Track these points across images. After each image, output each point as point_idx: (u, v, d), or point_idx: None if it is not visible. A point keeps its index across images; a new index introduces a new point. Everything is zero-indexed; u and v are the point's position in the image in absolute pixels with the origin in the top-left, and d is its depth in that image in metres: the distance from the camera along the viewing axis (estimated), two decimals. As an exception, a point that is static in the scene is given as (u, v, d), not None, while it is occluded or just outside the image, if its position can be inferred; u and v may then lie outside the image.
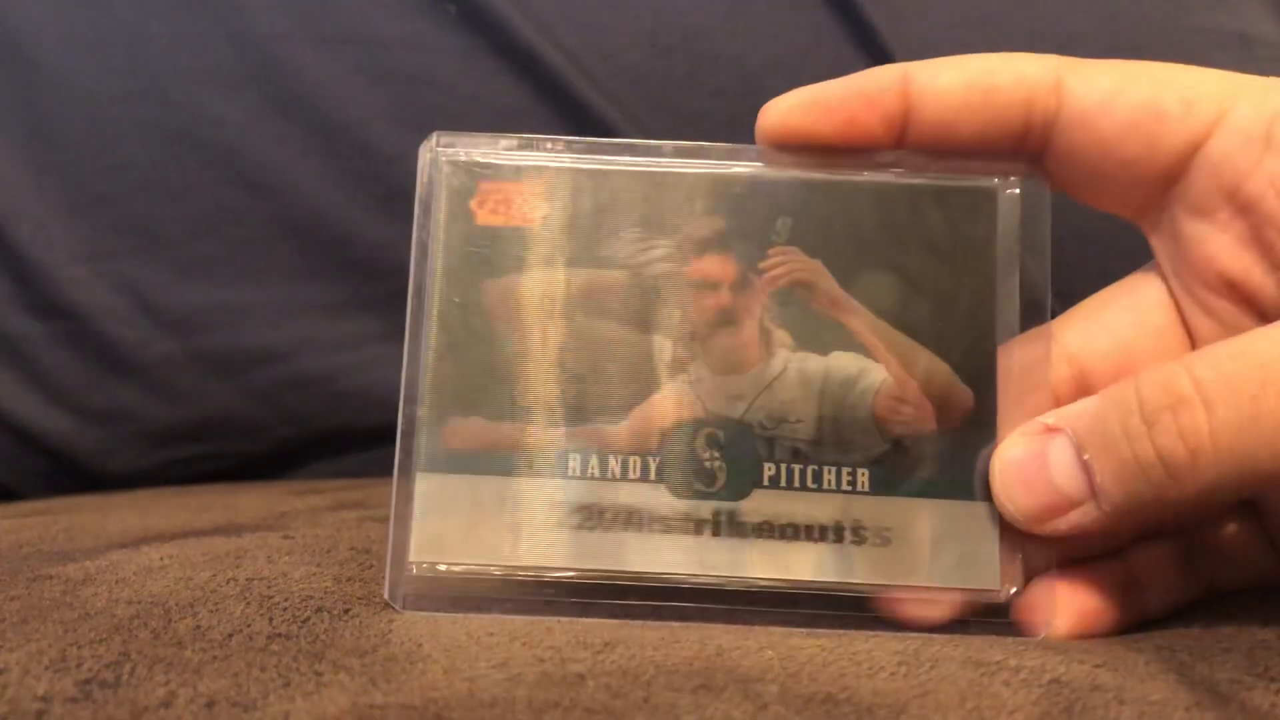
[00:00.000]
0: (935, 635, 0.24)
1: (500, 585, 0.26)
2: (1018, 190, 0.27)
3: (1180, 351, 0.27)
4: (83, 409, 0.47)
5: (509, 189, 0.27)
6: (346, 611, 0.25)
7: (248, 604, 0.25)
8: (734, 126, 0.51)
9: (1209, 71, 0.26)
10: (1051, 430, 0.24)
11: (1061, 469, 0.24)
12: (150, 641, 0.22)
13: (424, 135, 0.27)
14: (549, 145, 0.27)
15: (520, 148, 0.28)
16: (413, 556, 0.26)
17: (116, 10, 0.48)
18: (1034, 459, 0.24)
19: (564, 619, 0.25)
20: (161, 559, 0.29)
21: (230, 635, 0.23)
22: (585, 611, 0.25)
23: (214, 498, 0.41)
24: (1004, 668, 0.22)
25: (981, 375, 0.26)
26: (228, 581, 0.26)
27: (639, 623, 0.25)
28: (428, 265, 0.27)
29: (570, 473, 0.26)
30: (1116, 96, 0.26)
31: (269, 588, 0.26)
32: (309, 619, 0.24)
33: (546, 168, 0.27)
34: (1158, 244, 0.27)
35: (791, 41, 0.51)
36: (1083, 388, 0.26)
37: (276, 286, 0.48)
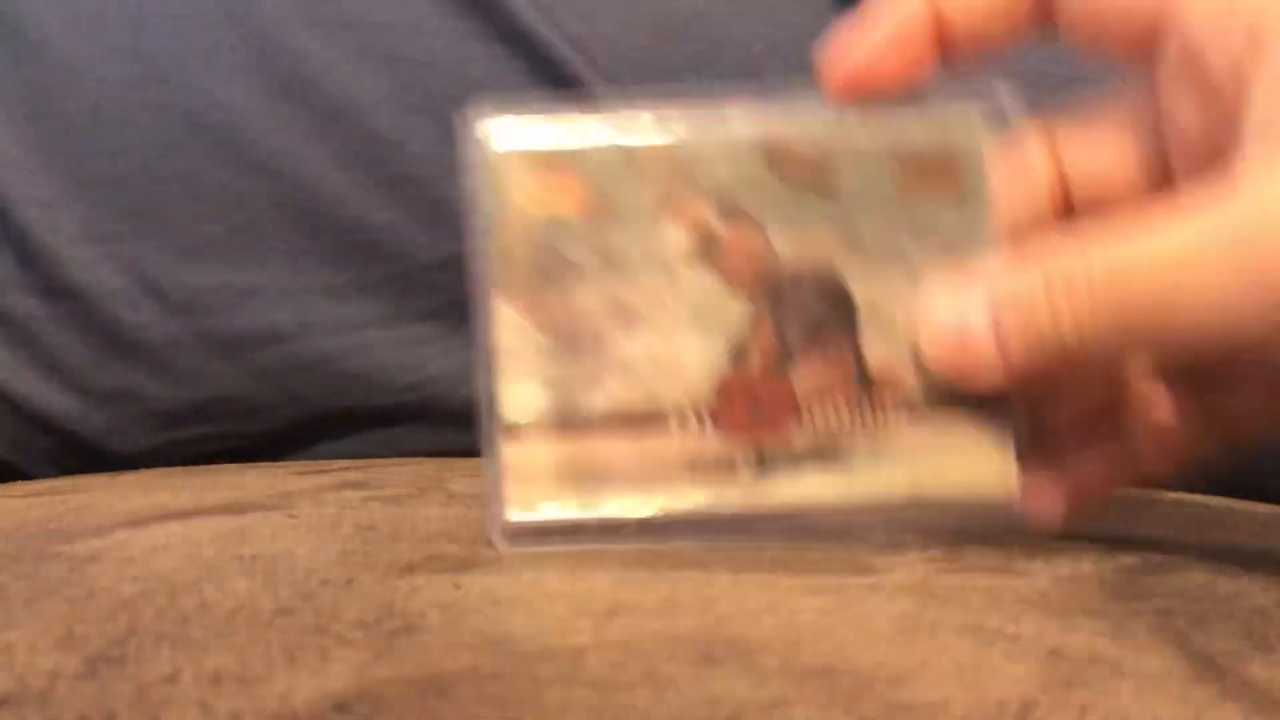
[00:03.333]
0: (935, 594, 0.24)
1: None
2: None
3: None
4: (88, 389, 0.48)
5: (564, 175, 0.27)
6: (350, 581, 0.25)
7: (252, 580, 0.25)
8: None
9: None
10: None
11: None
12: (155, 618, 0.22)
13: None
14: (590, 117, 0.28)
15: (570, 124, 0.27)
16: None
17: None
18: None
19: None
20: (167, 537, 0.29)
21: (235, 611, 0.23)
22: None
23: (219, 477, 0.41)
24: (1002, 636, 0.22)
25: None
26: (232, 559, 0.26)
27: (640, 586, 0.25)
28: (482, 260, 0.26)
29: None
30: None
31: (273, 564, 0.26)
32: (313, 592, 0.24)
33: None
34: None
35: (793, 26, 0.51)
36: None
37: (280, 268, 0.48)
